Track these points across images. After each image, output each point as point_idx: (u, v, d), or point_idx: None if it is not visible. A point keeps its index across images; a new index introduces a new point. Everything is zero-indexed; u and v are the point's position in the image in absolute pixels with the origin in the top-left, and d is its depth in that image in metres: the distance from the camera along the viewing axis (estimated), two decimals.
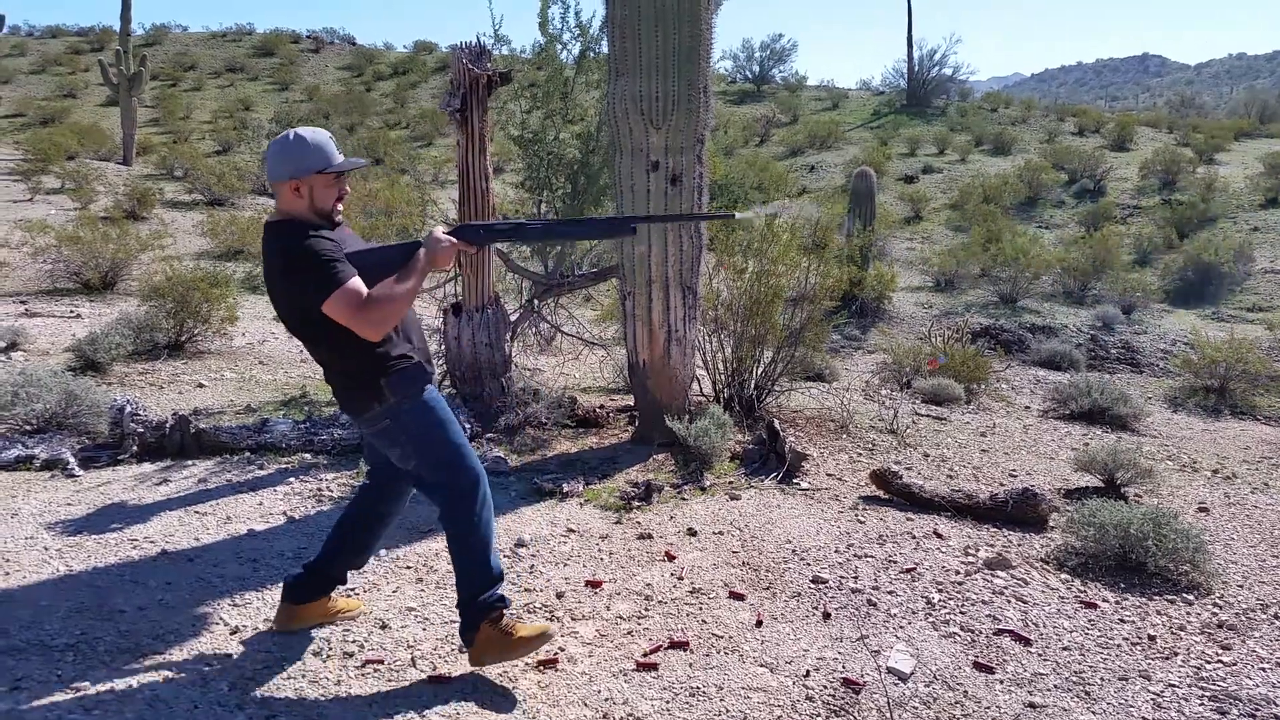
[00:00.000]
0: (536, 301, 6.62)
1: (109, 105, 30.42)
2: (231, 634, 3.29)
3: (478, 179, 5.63)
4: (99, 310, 9.63)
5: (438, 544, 4.16)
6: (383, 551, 4.05)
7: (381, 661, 3.15)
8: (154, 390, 6.85)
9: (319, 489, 4.83)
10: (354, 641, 3.28)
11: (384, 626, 3.40)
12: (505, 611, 3.05)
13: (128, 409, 5.31)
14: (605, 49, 5.75)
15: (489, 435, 5.53)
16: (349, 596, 3.54)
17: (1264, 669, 3.46)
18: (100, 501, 4.55)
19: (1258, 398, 9.44)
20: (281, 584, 3.36)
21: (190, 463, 5.16)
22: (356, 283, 2.79)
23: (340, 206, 2.99)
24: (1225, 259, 15.51)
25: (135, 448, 5.20)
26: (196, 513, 4.45)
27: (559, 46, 6.22)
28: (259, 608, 3.50)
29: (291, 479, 4.97)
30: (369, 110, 33.16)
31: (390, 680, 3.05)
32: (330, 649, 3.22)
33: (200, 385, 7.07)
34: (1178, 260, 16.09)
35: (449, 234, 2.99)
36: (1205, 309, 14.73)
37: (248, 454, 5.29)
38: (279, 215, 2.94)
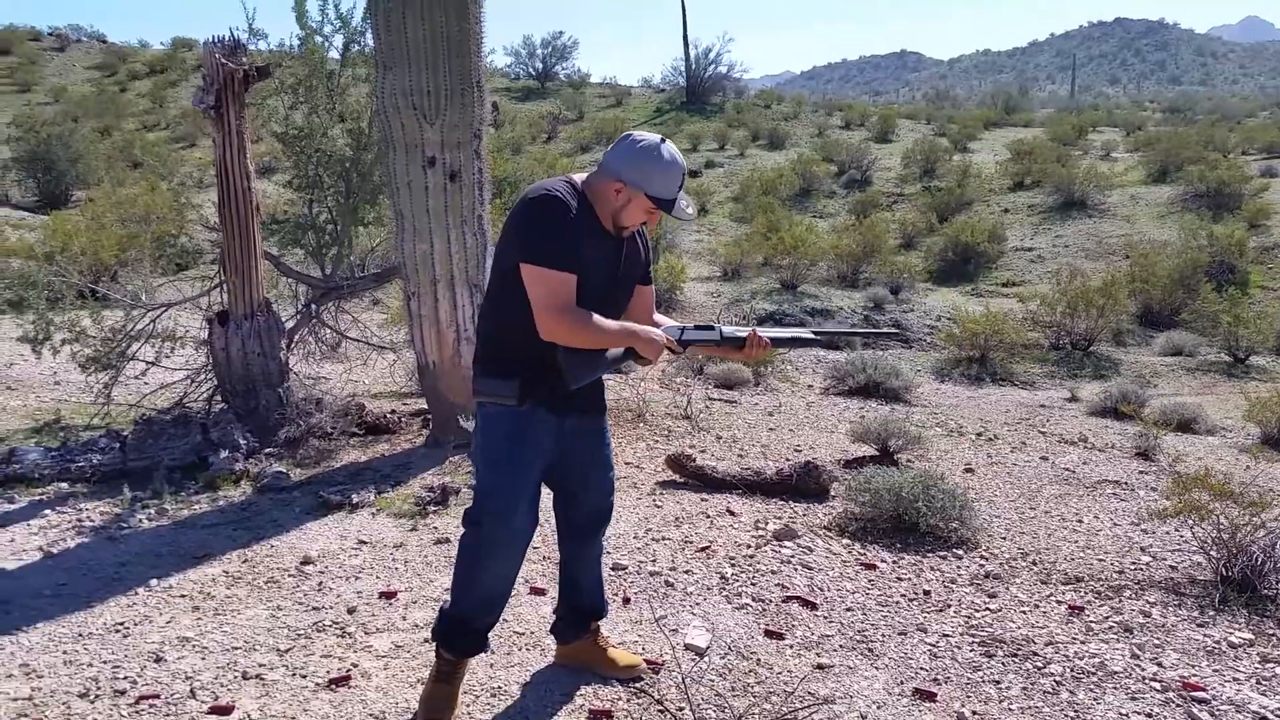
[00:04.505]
0: (315, 306, 6.33)
1: None
2: None
3: (239, 178, 5.32)
4: None
5: (214, 569, 3.90)
6: (153, 581, 3.76)
7: (157, 696, 2.92)
8: None
9: (78, 519, 4.43)
10: (125, 678, 3.02)
11: (158, 660, 3.15)
12: (456, 663, 2.85)
13: None
14: (371, 42, 5.57)
15: (268, 450, 5.23)
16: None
17: (1025, 612, 3.77)
18: None
19: (1014, 365, 10.34)
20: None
21: None
22: (570, 281, 2.56)
23: (637, 228, 2.78)
24: (981, 239, 16.87)
25: None
26: None
27: (320, 39, 5.96)
28: (13, 653, 3.16)
29: (47, 511, 4.53)
30: (124, 111, 30.73)
31: (168, 715, 2.83)
32: (99, 689, 2.96)
33: None
34: (939, 242, 17.35)
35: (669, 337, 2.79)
36: (965, 286, 15.97)
37: None
38: (581, 181, 2.69)
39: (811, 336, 2.97)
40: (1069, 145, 24.98)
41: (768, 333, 2.86)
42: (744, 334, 2.82)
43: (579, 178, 2.72)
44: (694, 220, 3.09)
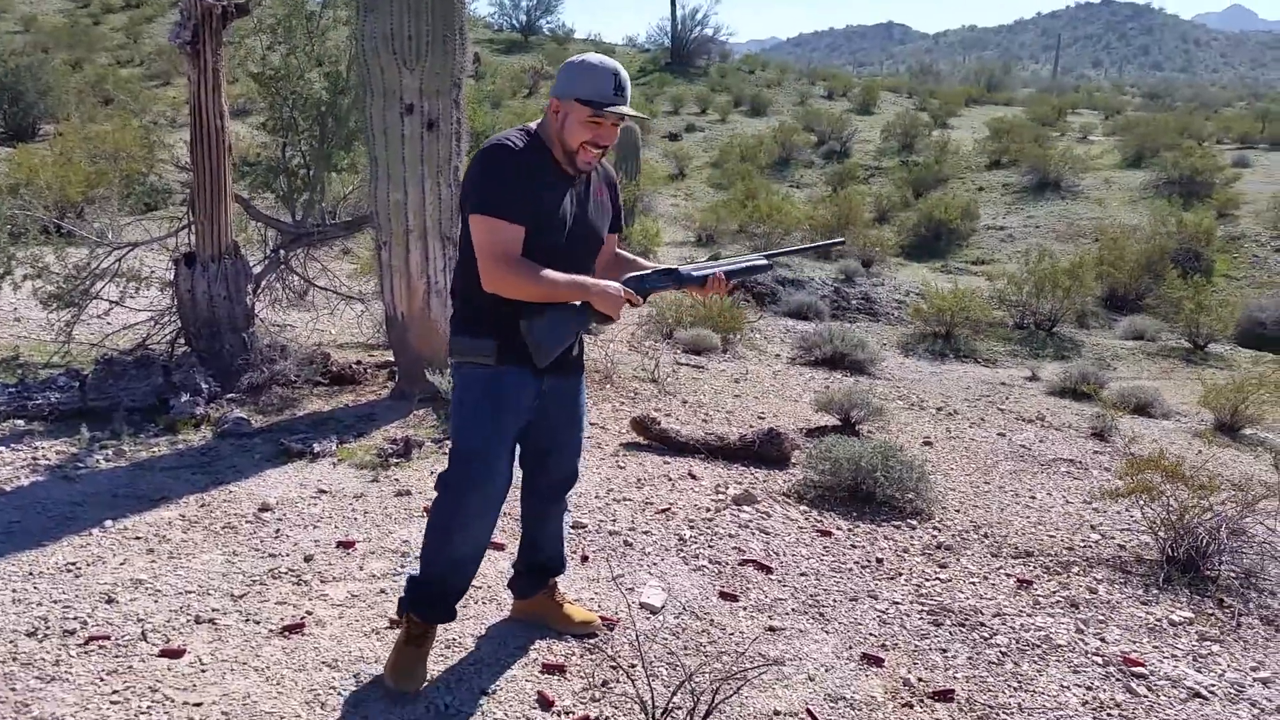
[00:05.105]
0: (284, 252, 6.25)
1: None
2: None
3: (212, 117, 5.22)
4: None
5: (171, 513, 3.89)
6: (108, 522, 3.74)
7: (108, 638, 2.91)
8: None
9: (34, 458, 4.37)
10: (75, 619, 3.01)
11: (110, 601, 3.14)
12: (427, 627, 2.82)
13: None
14: None
15: (230, 396, 5.19)
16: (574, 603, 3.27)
17: (974, 583, 3.84)
18: None
19: (978, 342, 10.43)
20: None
21: None
22: (515, 232, 2.52)
23: (591, 155, 2.62)
24: (954, 216, 16.96)
25: None
26: None
27: None
28: None
29: (1, 448, 4.48)
30: (96, 45, 30.01)
31: (118, 657, 2.83)
32: (48, 628, 2.95)
33: None
34: (913, 218, 17.43)
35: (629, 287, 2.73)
36: (936, 262, 16.07)
37: None
38: (535, 123, 2.67)
39: (764, 261, 3.00)
40: (1048, 126, 25.12)
41: (725, 266, 2.88)
42: (703, 273, 2.82)
43: (534, 125, 2.69)
44: (638, 118, 3.03)
